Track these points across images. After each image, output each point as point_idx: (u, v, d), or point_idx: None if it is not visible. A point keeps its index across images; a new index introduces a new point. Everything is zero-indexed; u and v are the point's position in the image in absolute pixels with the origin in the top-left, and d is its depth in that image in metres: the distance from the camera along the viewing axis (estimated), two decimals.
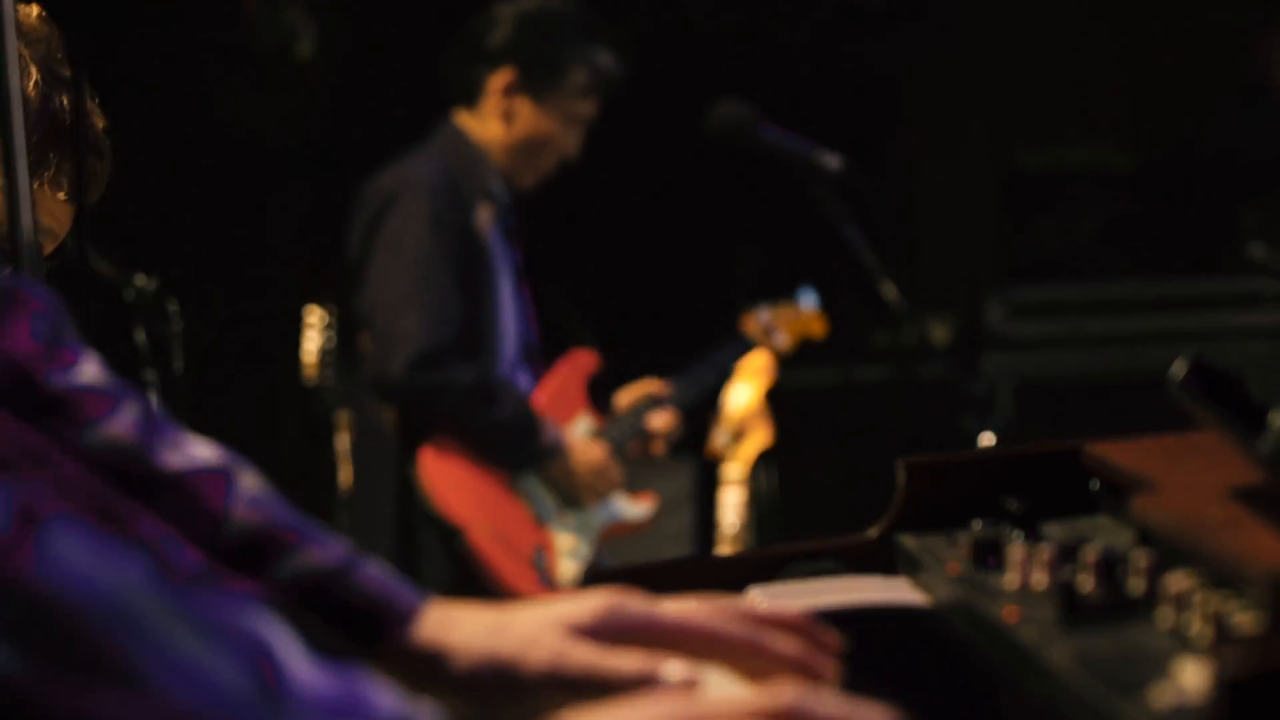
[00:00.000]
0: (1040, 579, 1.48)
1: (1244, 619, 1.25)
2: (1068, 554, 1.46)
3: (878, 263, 4.36)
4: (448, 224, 4.59)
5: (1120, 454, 1.68)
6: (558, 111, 4.73)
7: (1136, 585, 1.39)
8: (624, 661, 1.41)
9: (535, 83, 4.71)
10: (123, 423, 1.50)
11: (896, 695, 1.39)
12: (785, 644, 1.43)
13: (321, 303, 5.06)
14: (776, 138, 4.54)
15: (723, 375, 4.89)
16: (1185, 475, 1.59)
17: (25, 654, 1.01)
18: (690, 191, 6.75)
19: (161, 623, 1.06)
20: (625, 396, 4.90)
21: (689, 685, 1.36)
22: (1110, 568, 1.40)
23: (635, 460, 4.87)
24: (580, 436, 4.76)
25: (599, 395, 4.91)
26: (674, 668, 1.40)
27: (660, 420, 4.83)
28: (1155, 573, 1.39)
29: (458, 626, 1.46)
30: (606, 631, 1.44)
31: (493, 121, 4.74)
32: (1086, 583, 1.40)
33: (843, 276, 5.54)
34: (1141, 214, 6.63)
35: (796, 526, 5.76)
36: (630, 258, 6.77)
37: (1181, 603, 1.32)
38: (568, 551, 4.66)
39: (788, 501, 5.48)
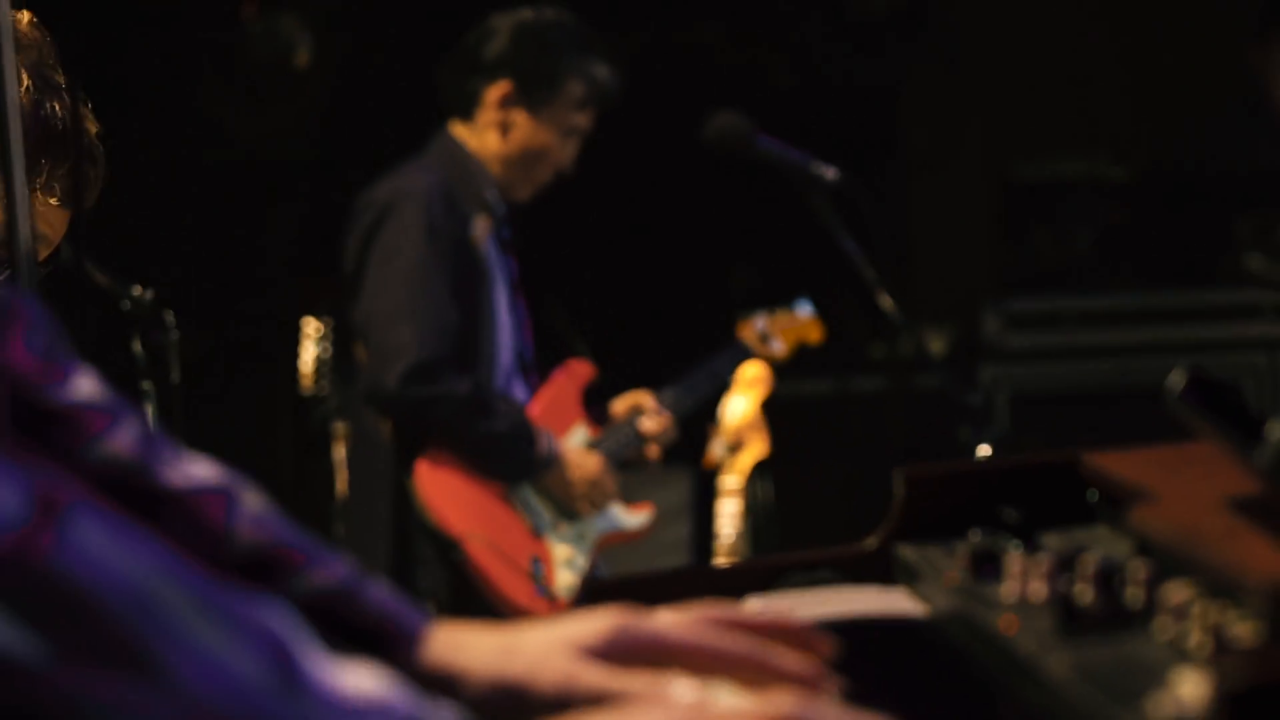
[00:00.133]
0: (1038, 589, 1.48)
1: (1243, 630, 1.25)
2: (1066, 564, 1.45)
3: (874, 274, 4.36)
4: (443, 235, 4.59)
5: (1118, 464, 1.68)
6: (554, 123, 4.73)
7: (1135, 596, 1.39)
8: (634, 683, 1.40)
9: (531, 95, 4.71)
10: (123, 439, 1.49)
11: (895, 706, 1.39)
12: (789, 660, 1.43)
13: (318, 313, 5.06)
14: (773, 149, 4.54)
15: (718, 383, 4.89)
16: (1183, 486, 1.59)
17: (49, 642, 1.02)
18: (687, 203, 6.75)
19: (182, 611, 1.06)
20: (620, 406, 4.91)
21: (699, 705, 1.36)
22: (1108, 578, 1.39)
23: (633, 471, 4.87)
24: (576, 447, 4.76)
25: (595, 406, 4.91)
26: (684, 688, 1.39)
27: (653, 424, 4.84)
28: (1153, 583, 1.39)
29: (467, 649, 1.46)
30: (614, 651, 1.43)
31: (489, 133, 4.74)
32: (1085, 593, 1.40)
33: (839, 287, 5.55)
34: (1137, 225, 6.64)
35: (793, 537, 5.76)
36: (626, 269, 6.77)
37: (1180, 613, 1.32)
38: (564, 562, 4.66)
39: (784, 512, 5.48)
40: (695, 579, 1.81)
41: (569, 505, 4.69)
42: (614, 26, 5.32)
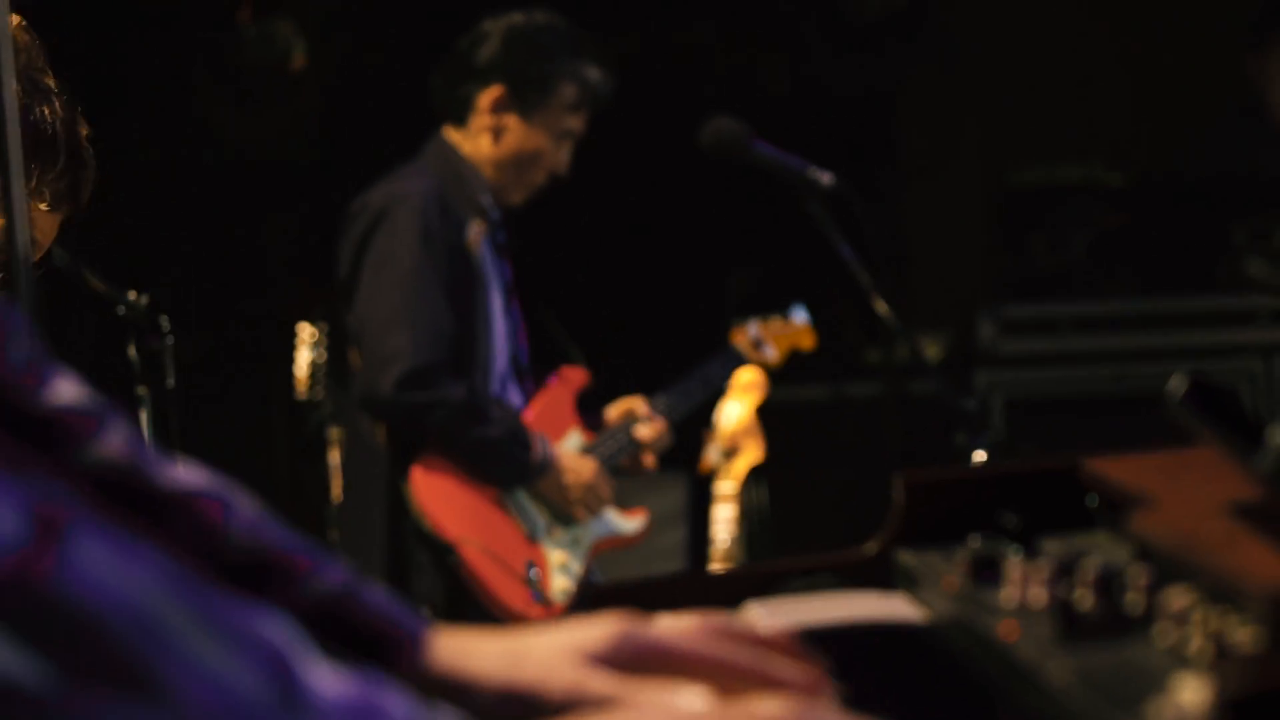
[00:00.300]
0: (1038, 595, 1.48)
1: (1243, 636, 1.24)
2: (1066, 570, 1.45)
3: (870, 279, 4.36)
4: (438, 240, 4.58)
5: (1118, 470, 1.68)
6: (546, 127, 4.73)
7: (1135, 602, 1.39)
8: (641, 691, 1.40)
9: (524, 99, 4.71)
10: (113, 442, 1.47)
11: (894, 712, 1.39)
12: (791, 670, 1.43)
13: (313, 318, 5.06)
14: (769, 154, 4.54)
15: (711, 389, 4.90)
16: (1183, 491, 1.58)
17: (52, 665, 1.01)
18: (682, 208, 6.75)
19: (183, 628, 1.05)
20: (614, 412, 4.91)
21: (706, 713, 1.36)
22: (1109, 584, 1.39)
23: (629, 476, 4.87)
24: (571, 452, 4.75)
25: (589, 412, 4.91)
26: (691, 696, 1.39)
27: (647, 430, 4.83)
28: (1154, 589, 1.39)
29: (474, 656, 1.45)
30: (620, 658, 1.43)
31: (482, 138, 4.73)
32: (1085, 599, 1.39)
33: (835, 293, 5.55)
34: (1133, 231, 6.64)
35: (788, 542, 5.76)
36: (621, 274, 6.77)
37: (1180, 619, 1.31)
38: (559, 567, 4.66)
39: (779, 517, 5.48)
40: (693, 584, 1.81)
41: (564, 510, 4.69)
42: (609, 30, 5.32)
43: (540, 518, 4.68)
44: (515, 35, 4.75)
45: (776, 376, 4.92)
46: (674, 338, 6.16)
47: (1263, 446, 1.40)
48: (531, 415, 4.76)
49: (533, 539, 4.65)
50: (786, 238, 5.65)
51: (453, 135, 4.77)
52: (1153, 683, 1.23)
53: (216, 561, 1.47)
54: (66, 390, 1.45)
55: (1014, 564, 1.51)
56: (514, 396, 4.76)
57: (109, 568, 1.05)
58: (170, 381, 3.40)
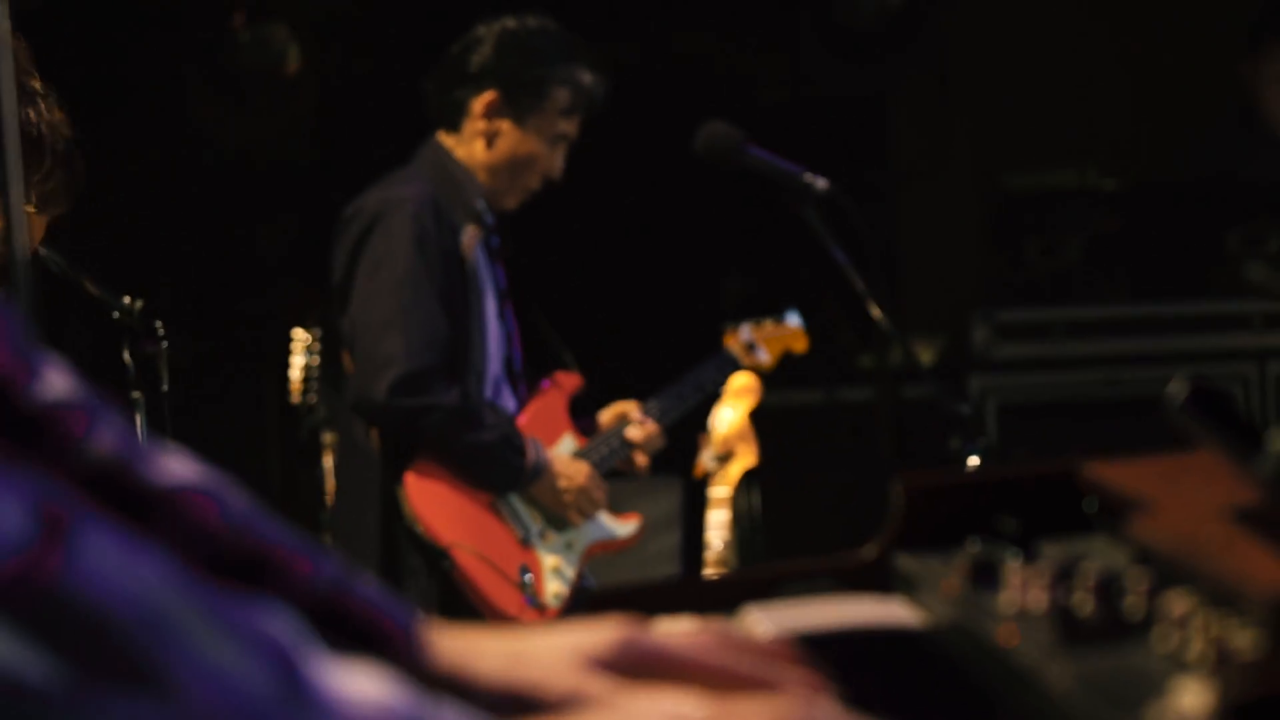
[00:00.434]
0: (1038, 600, 1.47)
1: (1245, 641, 1.24)
2: (1065, 574, 1.45)
3: (864, 284, 4.36)
4: (432, 245, 4.58)
5: (1116, 474, 1.67)
6: (540, 131, 4.72)
7: (1135, 607, 1.39)
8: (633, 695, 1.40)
9: (517, 103, 4.71)
10: (106, 439, 1.47)
11: (894, 717, 1.38)
12: (792, 678, 1.43)
13: (307, 323, 5.06)
14: (763, 159, 4.54)
15: (704, 392, 4.90)
16: (1182, 496, 1.58)
17: (60, 664, 1.01)
18: (677, 213, 6.75)
19: (189, 626, 1.06)
20: (607, 416, 4.91)
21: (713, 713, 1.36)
22: (1109, 588, 1.39)
23: (623, 480, 4.87)
24: (564, 456, 4.75)
25: (582, 417, 4.91)
26: (681, 701, 1.39)
27: (638, 432, 4.84)
28: (1154, 594, 1.38)
29: (475, 654, 1.45)
30: (622, 664, 1.43)
31: (476, 143, 4.73)
32: (1085, 604, 1.39)
33: (829, 298, 5.55)
34: (1127, 236, 6.64)
35: (782, 546, 5.77)
36: (616, 279, 6.77)
37: (1181, 624, 1.31)
38: (553, 571, 4.65)
39: (773, 521, 5.48)
40: (692, 589, 1.81)
41: (557, 514, 4.69)
42: (604, 36, 5.32)
43: (534, 522, 4.68)
44: (508, 40, 4.75)
45: (770, 381, 4.92)
46: (668, 342, 6.16)
47: (1263, 451, 1.40)
48: (525, 420, 4.76)
49: (526, 543, 4.65)
50: (780, 242, 5.65)
51: (447, 140, 4.77)
52: (1153, 687, 1.23)
53: (209, 557, 1.47)
54: (58, 383, 1.44)
55: (1013, 568, 1.51)
56: (507, 401, 4.76)
57: (114, 565, 1.05)
58: (165, 386, 3.40)
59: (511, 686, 1.43)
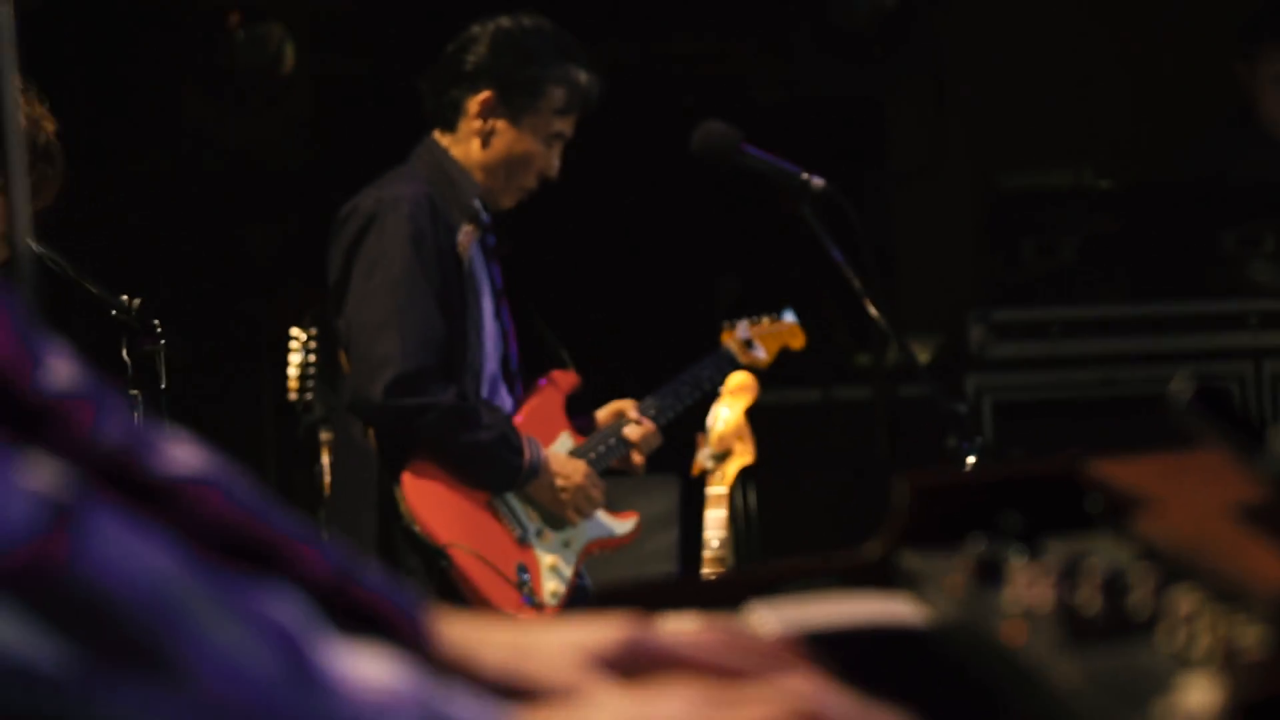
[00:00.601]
0: (1043, 597, 1.47)
1: (1251, 639, 1.24)
2: (1071, 572, 1.45)
3: (860, 283, 4.36)
4: (428, 245, 4.57)
5: (1120, 472, 1.67)
6: (536, 131, 4.72)
7: (1141, 604, 1.39)
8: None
9: (513, 103, 4.70)
10: (113, 429, 1.47)
11: (898, 714, 1.38)
12: (798, 682, 1.43)
13: (303, 322, 5.05)
14: (759, 158, 4.54)
15: (701, 390, 4.90)
16: (1187, 493, 1.58)
17: (70, 650, 1.02)
18: (673, 213, 6.75)
19: (198, 610, 1.06)
20: (604, 415, 4.91)
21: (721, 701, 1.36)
22: (1114, 586, 1.39)
23: (620, 478, 4.87)
24: (561, 455, 4.75)
25: (579, 416, 4.91)
26: (667, 699, 1.39)
27: (635, 431, 4.84)
28: (1160, 592, 1.38)
29: (480, 645, 1.46)
30: (626, 663, 1.43)
31: (472, 142, 4.73)
32: (1090, 601, 1.39)
33: (825, 297, 5.55)
34: (1123, 235, 6.65)
35: (779, 545, 5.77)
36: (613, 278, 6.77)
37: (1187, 622, 1.31)
38: (550, 570, 4.65)
39: (770, 519, 5.48)
40: (695, 587, 1.81)
41: (555, 513, 4.69)
42: (600, 36, 5.32)
43: (531, 521, 4.67)
44: (503, 39, 4.74)
45: (767, 379, 4.92)
46: (664, 341, 6.16)
47: (1267, 450, 1.41)
48: (522, 419, 4.76)
49: (523, 542, 4.64)
50: (776, 242, 5.65)
51: (442, 139, 4.76)
52: (1159, 685, 1.23)
53: (217, 546, 1.47)
54: (63, 371, 1.44)
55: (1018, 566, 1.51)
56: (504, 400, 4.76)
57: (123, 551, 1.06)
58: (163, 383, 3.41)
59: (512, 679, 1.43)
